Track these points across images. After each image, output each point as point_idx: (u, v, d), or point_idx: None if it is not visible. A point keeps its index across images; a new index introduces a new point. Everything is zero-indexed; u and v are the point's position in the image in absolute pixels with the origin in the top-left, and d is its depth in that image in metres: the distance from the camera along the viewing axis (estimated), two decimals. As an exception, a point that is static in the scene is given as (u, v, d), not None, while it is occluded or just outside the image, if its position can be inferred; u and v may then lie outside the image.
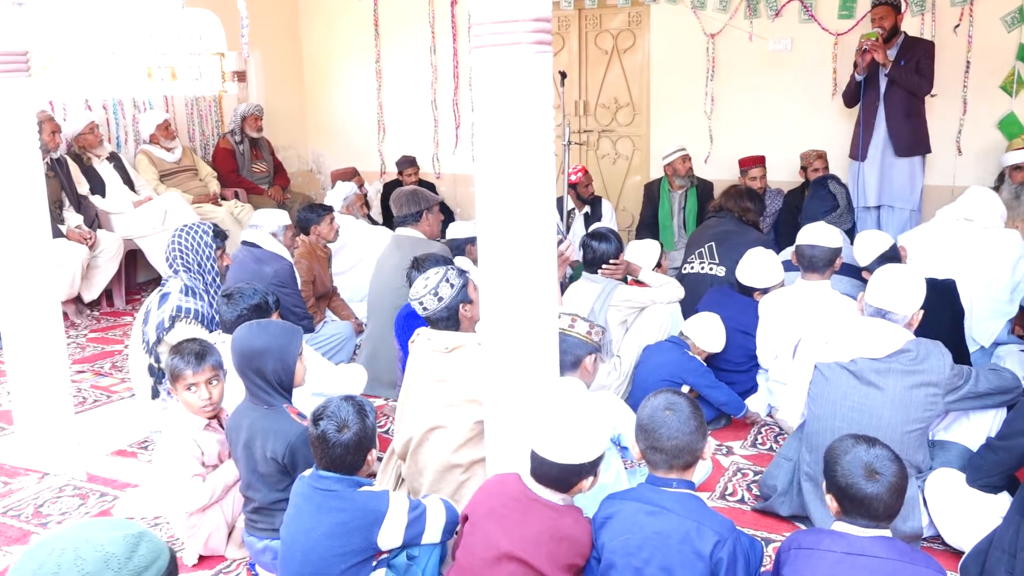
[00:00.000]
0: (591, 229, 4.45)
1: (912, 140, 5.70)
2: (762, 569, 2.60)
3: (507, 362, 2.52)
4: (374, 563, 2.44)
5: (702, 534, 2.13)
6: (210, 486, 2.91)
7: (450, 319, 3.01)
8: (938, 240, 4.32)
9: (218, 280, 3.99)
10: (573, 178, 6.09)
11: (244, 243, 4.73)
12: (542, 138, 2.41)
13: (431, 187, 7.28)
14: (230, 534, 2.98)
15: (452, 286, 2.99)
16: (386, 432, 3.98)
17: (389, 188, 7.39)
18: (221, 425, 3.04)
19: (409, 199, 4.60)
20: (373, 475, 3.03)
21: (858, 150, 5.76)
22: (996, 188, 5.42)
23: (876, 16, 5.58)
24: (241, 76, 7.90)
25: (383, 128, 8.15)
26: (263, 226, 4.76)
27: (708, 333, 4.01)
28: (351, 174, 7.16)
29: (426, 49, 7.73)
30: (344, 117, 8.34)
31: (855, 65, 5.64)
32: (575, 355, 3.07)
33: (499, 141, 2.40)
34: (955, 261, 4.14)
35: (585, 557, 2.30)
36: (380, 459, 3.23)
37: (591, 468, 2.29)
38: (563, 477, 2.27)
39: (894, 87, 5.59)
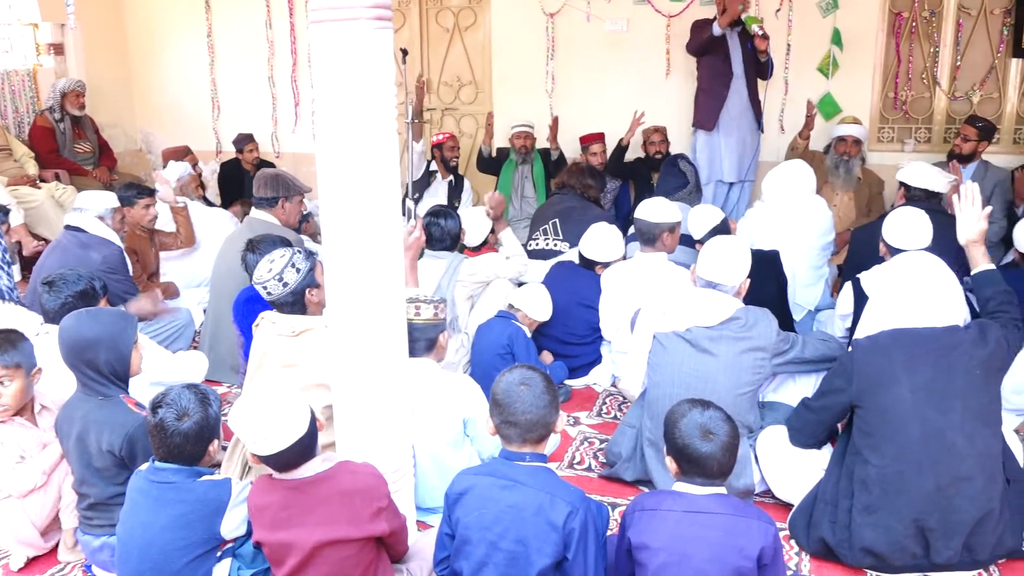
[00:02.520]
0: (431, 207, 4.44)
1: (760, 117, 6.00)
2: (608, 532, 2.70)
3: (353, 345, 2.49)
4: (219, 553, 2.37)
5: (555, 505, 2.17)
6: (37, 465, 2.76)
7: (296, 304, 2.94)
8: (762, 213, 4.60)
9: (7, 255, 3.74)
10: (440, 138, 6.12)
11: (68, 228, 4.43)
12: (384, 116, 2.39)
13: (271, 166, 7.06)
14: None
15: (298, 271, 2.91)
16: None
17: (227, 168, 7.11)
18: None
19: (270, 183, 4.43)
20: (217, 465, 2.94)
21: (704, 119, 5.89)
22: (823, 153, 5.78)
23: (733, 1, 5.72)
24: (58, 49, 7.36)
25: (217, 105, 7.83)
26: (88, 209, 4.47)
27: (534, 302, 4.06)
28: (183, 153, 6.81)
29: (261, 23, 7.46)
30: (175, 94, 7.94)
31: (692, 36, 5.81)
32: (428, 338, 3.07)
33: (340, 119, 2.35)
34: (777, 232, 4.40)
35: (384, 495, 2.30)
36: (225, 448, 3.13)
37: (313, 428, 2.27)
38: (302, 451, 2.25)
39: (750, 66, 5.80)
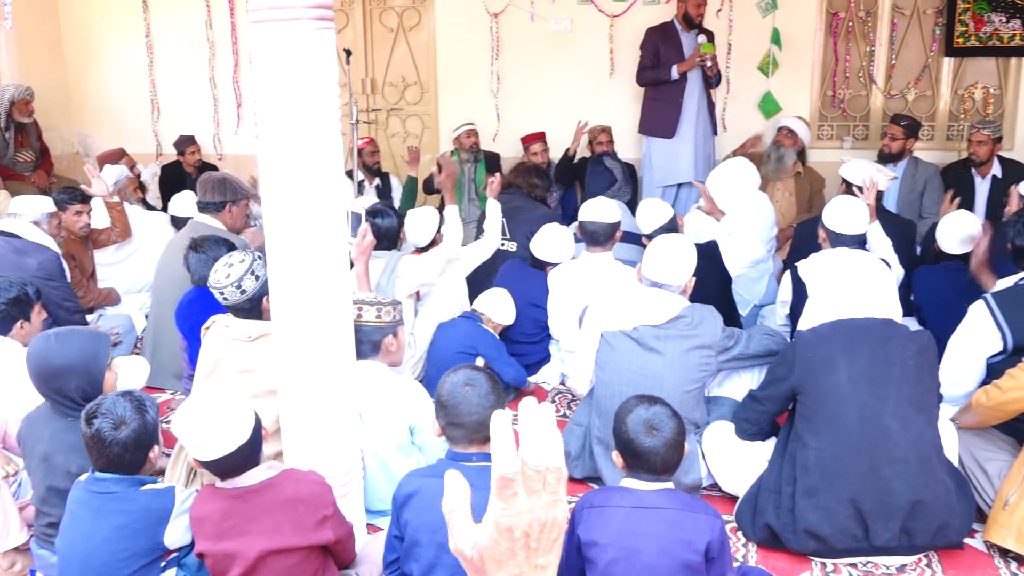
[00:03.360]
0: (368, 207, 4.41)
1: (715, 120, 6.14)
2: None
3: (299, 349, 2.47)
4: (163, 563, 2.33)
5: (502, 508, 2.17)
6: None
7: (252, 310, 2.90)
8: (739, 212, 4.66)
9: None
10: (359, 143, 6.06)
11: (1, 234, 4.31)
12: (327, 117, 2.37)
13: (213, 169, 6.94)
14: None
15: (257, 278, 2.86)
16: (175, 427, 3.79)
17: (168, 171, 6.98)
18: None
19: (216, 187, 4.35)
20: (160, 473, 2.89)
21: (662, 128, 5.97)
22: (762, 152, 5.89)
23: (699, 3, 5.79)
24: (-10, 50, 7.16)
25: (157, 107, 7.67)
26: (23, 214, 4.35)
27: (499, 307, 4.11)
28: (119, 156, 6.63)
29: (201, 23, 7.34)
30: (113, 96, 7.76)
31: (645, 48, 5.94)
32: (372, 341, 3.05)
33: (282, 121, 2.33)
34: (724, 229, 4.47)
35: (330, 503, 2.29)
36: (170, 455, 3.08)
37: (257, 434, 2.27)
38: (245, 458, 2.25)
39: (704, 73, 5.89)
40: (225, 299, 2.87)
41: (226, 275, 2.85)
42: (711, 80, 5.92)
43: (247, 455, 2.24)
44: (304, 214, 2.38)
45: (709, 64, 5.74)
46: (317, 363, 2.48)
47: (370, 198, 6.00)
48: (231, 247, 3.48)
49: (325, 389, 2.51)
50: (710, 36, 5.84)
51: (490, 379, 2.31)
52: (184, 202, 5.22)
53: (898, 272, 3.79)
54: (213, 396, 2.25)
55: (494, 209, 4.38)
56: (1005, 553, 2.81)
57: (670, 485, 2.27)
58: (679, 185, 6.09)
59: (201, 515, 2.26)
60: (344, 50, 5.36)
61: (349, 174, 5.56)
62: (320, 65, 2.32)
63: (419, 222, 4.48)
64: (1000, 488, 2.84)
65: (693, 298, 3.26)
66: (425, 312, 4.13)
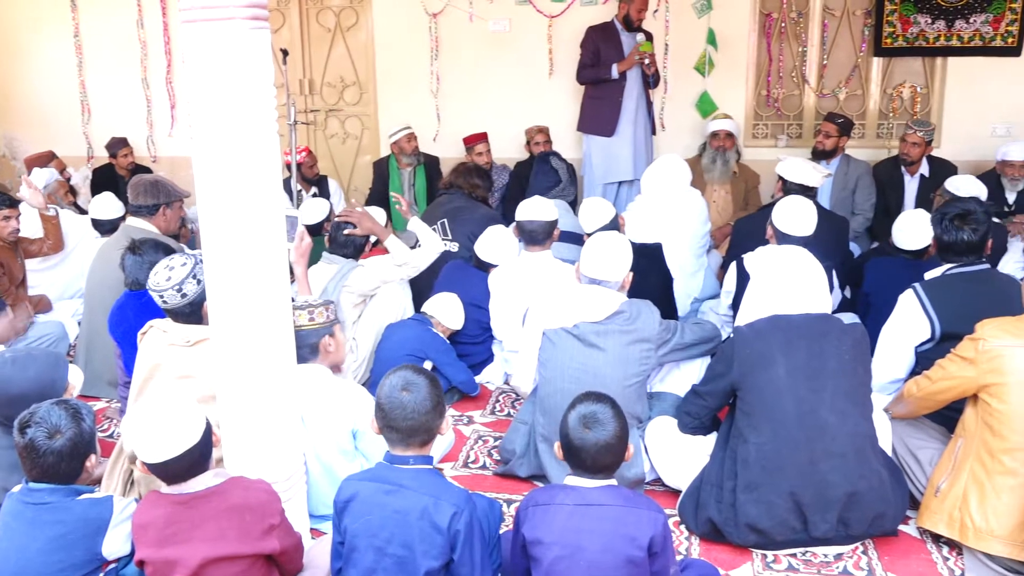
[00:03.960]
0: (340, 212, 4.38)
1: (653, 120, 6.22)
2: (503, 528, 2.73)
3: (237, 353, 2.44)
4: (101, 575, 2.27)
5: (439, 508, 2.17)
6: None
7: (192, 314, 2.84)
8: (641, 207, 4.72)
9: None
10: (297, 158, 5.95)
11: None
12: (263, 118, 2.34)
13: (147, 171, 6.80)
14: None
15: (199, 282, 2.81)
16: (110, 436, 3.72)
17: (100, 174, 6.82)
18: None
19: (148, 190, 4.25)
20: (97, 482, 2.82)
21: (601, 126, 6.04)
22: (699, 156, 5.99)
23: (641, 7, 5.85)
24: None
25: (88, 109, 7.49)
26: (-54, 220, 4.22)
27: (449, 311, 4.12)
28: (48, 159, 6.46)
29: (132, 23, 7.18)
30: (41, 97, 7.56)
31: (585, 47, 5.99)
32: (310, 343, 3.02)
33: (217, 122, 2.29)
34: (658, 225, 4.53)
35: (277, 512, 2.27)
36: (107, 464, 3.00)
37: (207, 438, 2.25)
38: (194, 462, 2.22)
39: (643, 72, 5.97)
40: (165, 303, 2.81)
41: (167, 278, 2.80)
42: (649, 80, 6.00)
43: (196, 459, 2.20)
44: (241, 217, 2.35)
45: (647, 63, 5.81)
46: (257, 367, 2.45)
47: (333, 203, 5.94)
48: (169, 251, 3.41)
49: (265, 393, 2.48)
50: (649, 36, 5.94)
51: (430, 383, 2.29)
52: (105, 205, 5.11)
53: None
54: (163, 397, 2.20)
55: (417, 226, 4.34)
56: (937, 538, 2.89)
57: (613, 482, 2.28)
58: (620, 183, 6.15)
59: (144, 521, 2.22)
60: (281, 50, 5.30)
61: (287, 182, 5.51)
62: (255, 65, 2.29)
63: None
64: (932, 476, 2.92)
65: (636, 297, 3.29)
66: (367, 316, 4.10)
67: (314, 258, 4.20)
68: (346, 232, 4.16)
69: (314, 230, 4.88)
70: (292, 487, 2.61)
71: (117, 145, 6.78)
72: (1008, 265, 4.58)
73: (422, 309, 4.19)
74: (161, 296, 2.80)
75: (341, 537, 2.28)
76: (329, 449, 2.95)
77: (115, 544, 2.27)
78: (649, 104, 6.15)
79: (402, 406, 2.24)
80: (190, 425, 2.19)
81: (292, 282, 3.44)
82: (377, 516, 2.20)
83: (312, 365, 3.02)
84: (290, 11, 7.10)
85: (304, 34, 7.14)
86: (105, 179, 6.69)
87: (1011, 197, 5.43)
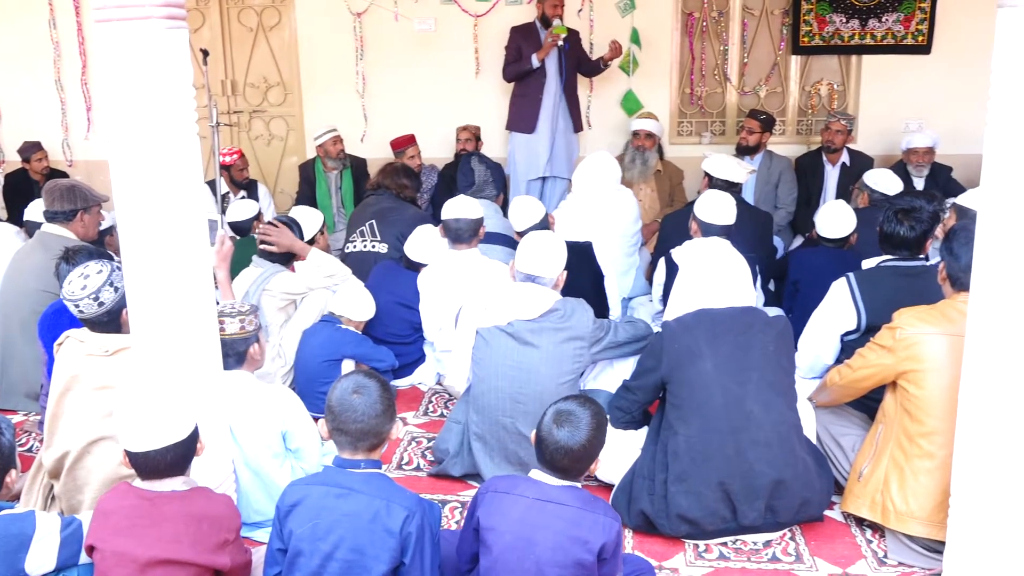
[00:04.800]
0: (276, 216, 4.31)
1: (579, 118, 6.27)
2: (442, 527, 2.73)
3: (161, 362, 2.38)
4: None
5: (391, 511, 2.16)
6: None
7: (110, 323, 2.76)
8: (572, 205, 4.76)
9: None
10: (228, 160, 5.83)
11: None
12: (182, 120, 2.29)
13: (63, 176, 6.59)
14: None
15: (116, 290, 2.72)
16: (28, 450, 3.60)
17: (12, 179, 6.58)
18: None
19: (66, 195, 4.10)
20: (16, 497, 2.73)
21: (523, 123, 6.11)
22: (622, 155, 6.06)
23: (557, 4, 5.88)
24: None
25: (-2, 112, 7.23)
26: None
27: (354, 304, 4.03)
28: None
29: (44, 22, 6.94)
30: (-53, 99, 7.26)
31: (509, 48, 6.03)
32: (238, 352, 2.97)
33: (134, 124, 2.24)
34: (589, 223, 4.58)
35: (234, 529, 2.27)
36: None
37: (192, 441, 2.26)
38: (174, 462, 2.23)
39: (568, 70, 6.03)
40: (81, 312, 2.72)
41: (82, 286, 2.71)
42: (598, 65, 6.11)
43: (177, 458, 2.21)
44: (161, 221, 2.29)
45: (562, 43, 5.83)
46: (182, 375, 2.40)
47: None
48: (104, 259, 3.31)
49: (192, 402, 2.42)
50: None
51: (381, 387, 2.29)
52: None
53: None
54: (160, 387, 2.17)
55: (320, 260, 4.24)
56: (861, 522, 2.98)
57: (577, 484, 2.28)
58: (543, 180, 6.20)
59: (108, 508, 2.22)
60: (201, 50, 5.18)
61: (211, 185, 5.39)
62: (173, 66, 2.24)
63: (301, 220, 4.41)
64: (854, 461, 3.02)
65: (568, 295, 3.31)
66: (294, 322, 4.05)
67: (244, 262, 4.13)
68: (261, 247, 4.09)
69: (242, 232, 4.79)
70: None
71: (30, 149, 6.54)
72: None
73: (328, 309, 4.09)
74: (76, 305, 2.70)
75: (283, 543, 2.25)
76: (259, 454, 2.90)
77: (38, 559, 2.19)
78: (573, 101, 6.19)
79: (352, 408, 2.23)
80: (182, 421, 2.20)
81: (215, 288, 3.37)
82: (326, 520, 2.18)
83: (237, 372, 2.97)
84: (210, 10, 6.95)
85: (225, 34, 7.00)
86: (18, 184, 6.46)
87: (919, 184, 5.64)
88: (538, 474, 2.28)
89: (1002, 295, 2.21)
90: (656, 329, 3.52)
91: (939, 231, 4.43)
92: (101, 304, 2.71)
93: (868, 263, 3.42)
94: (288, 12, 6.85)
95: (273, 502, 2.46)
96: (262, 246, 4.09)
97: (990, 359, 2.26)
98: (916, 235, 3.28)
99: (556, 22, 5.86)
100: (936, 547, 2.70)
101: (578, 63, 6.16)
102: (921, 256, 3.35)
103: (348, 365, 3.90)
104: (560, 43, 5.84)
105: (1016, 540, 2.36)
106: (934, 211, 3.38)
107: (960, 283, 2.71)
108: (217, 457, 2.55)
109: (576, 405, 2.27)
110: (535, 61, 5.92)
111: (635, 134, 5.95)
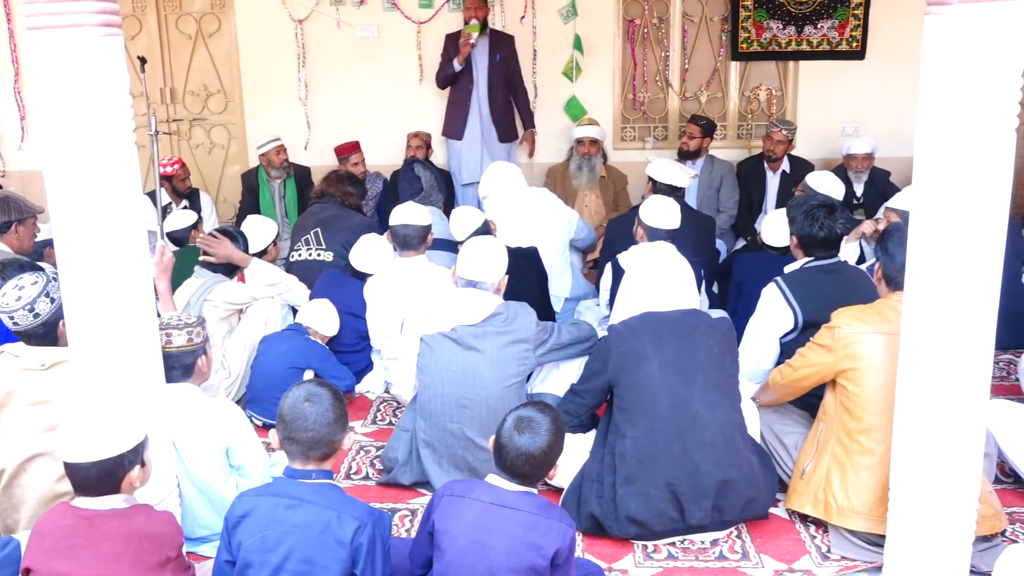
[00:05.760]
0: (218, 227, 4.25)
1: (510, 128, 6.26)
2: (392, 536, 2.71)
3: (101, 376, 2.33)
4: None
5: (343, 522, 2.15)
6: None
7: (46, 335, 2.69)
8: (514, 210, 4.78)
9: None
10: (169, 170, 5.73)
11: None
12: (119, 128, 2.25)
13: (-4, 187, 6.42)
14: None
15: (52, 301, 2.65)
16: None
17: (-58, 190, 6.38)
18: None
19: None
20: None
21: (453, 130, 6.17)
22: (567, 161, 6.11)
23: (471, 6, 5.89)
24: None
25: (-73, 121, 7.00)
26: None
27: (324, 319, 4.08)
28: None
29: (-27, 29, 6.75)
30: None
31: (443, 54, 6.04)
32: (184, 364, 2.91)
33: (69, 133, 2.19)
34: (530, 228, 4.60)
35: (176, 546, 2.22)
36: None
37: (134, 457, 2.19)
38: (107, 476, 2.15)
39: (495, 79, 6.06)
40: (16, 324, 2.65)
41: (16, 298, 2.64)
42: (526, 102, 6.19)
43: (117, 472, 2.14)
44: (98, 232, 2.24)
45: (473, 43, 5.85)
46: (122, 389, 2.35)
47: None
48: (39, 271, 3.23)
49: (131, 415, 2.37)
50: (485, 25, 5.97)
51: (333, 396, 2.28)
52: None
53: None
54: (99, 401, 2.10)
55: (263, 271, 4.19)
56: (805, 518, 3.04)
57: (534, 490, 2.29)
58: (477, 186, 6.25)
59: (45, 529, 2.14)
60: (138, 58, 5.08)
61: (151, 195, 5.30)
62: (108, 73, 2.20)
63: (253, 230, 4.36)
64: (797, 459, 3.08)
65: (514, 299, 3.32)
66: (240, 332, 4.00)
67: (186, 272, 4.07)
68: (201, 259, 4.04)
69: (180, 242, 4.72)
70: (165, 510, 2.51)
71: (-39, 159, 6.36)
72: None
73: (296, 320, 4.13)
74: (11, 317, 2.64)
75: (231, 555, 2.22)
76: (204, 469, 2.85)
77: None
78: (500, 111, 6.19)
79: (304, 417, 2.21)
80: (126, 433, 2.14)
81: (156, 299, 3.32)
82: (276, 531, 2.16)
83: (182, 385, 2.92)
84: (147, 17, 6.82)
85: (163, 41, 6.88)
86: (-51, 196, 6.26)
87: (859, 189, 5.80)
88: (495, 479, 2.29)
89: (935, 294, 2.27)
90: (602, 333, 3.56)
91: (869, 231, 4.57)
92: (36, 315, 2.64)
93: (791, 267, 3.51)
94: (228, 19, 6.77)
95: (219, 516, 2.43)
96: (203, 257, 4.04)
97: (925, 356, 2.33)
98: (832, 235, 3.41)
99: (472, 22, 5.87)
100: (877, 541, 2.76)
101: (511, 76, 6.17)
102: (835, 253, 3.48)
103: (309, 376, 3.88)
104: (472, 42, 5.83)
105: (952, 532, 2.43)
106: (846, 218, 3.52)
107: (895, 282, 2.79)
108: (160, 472, 2.50)
109: (536, 411, 2.28)
110: (456, 65, 5.96)
111: (579, 142, 5.99)
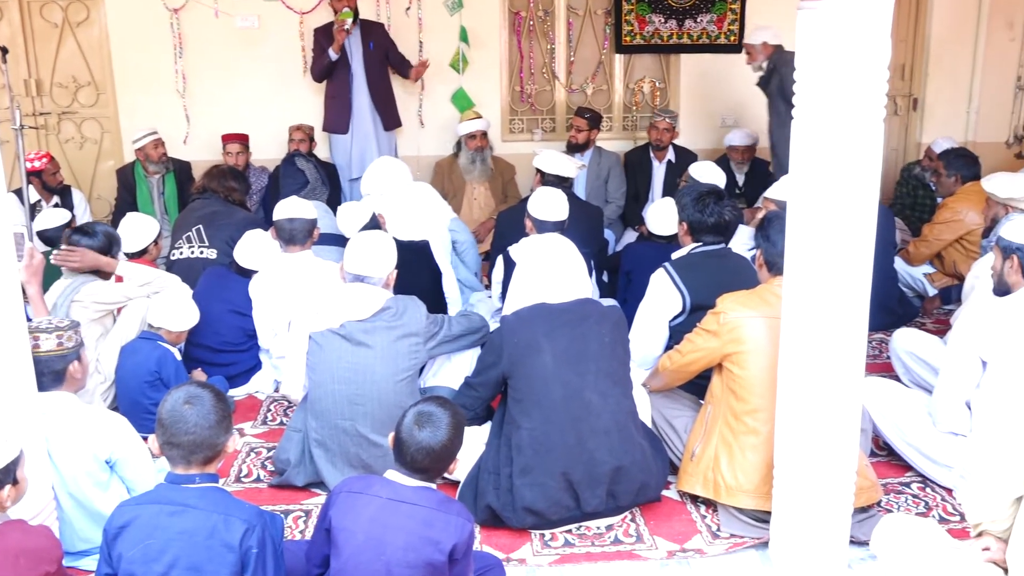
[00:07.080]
0: (77, 226, 4.02)
1: (392, 115, 6.19)
2: (286, 538, 2.65)
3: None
4: None
5: (230, 525, 2.09)
6: None
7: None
8: (401, 205, 4.74)
9: None
10: (37, 164, 5.43)
11: None
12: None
13: None
14: None
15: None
16: None
17: None
18: None
19: None
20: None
21: (336, 124, 6.08)
22: (455, 155, 6.10)
23: None
24: None
25: None
26: None
27: (172, 313, 3.77)
28: None
29: None
30: None
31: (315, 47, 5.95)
32: (54, 370, 2.76)
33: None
34: (419, 222, 4.57)
35: (55, 560, 2.13)
36: None
37: (5, 476, 2.12)
38: None
39: (372, 65, 5.97)
40: None
41: None
42: (406, 67, 6.10)
43: None
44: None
45: (348, 29, 5.77)
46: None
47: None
48: None
49: (4, 432, 2.25)
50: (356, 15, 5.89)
51: (215, 397, 2.21)
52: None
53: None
54: None
55: (133, 273, 3.98)
56: (695, 499, 3.12)
57: (432, 485, 2.27)
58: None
59: None
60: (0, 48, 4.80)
61: (18, 192, 5.01)
62: (-37, 63, 2.06)
63: (132, 229, 4.16)
64: (687, 442, 3.16)
65: (406, 293, 3.29)
66: (112, 335, 3.79)
67: (56, 274, 3.85)
68: (67, 268, 3.83)
69: (53, 243, 4.47)
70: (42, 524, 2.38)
71: None
72: (736, 247, 5.03)
73: (148, 321, 3.80)
74: None
75: (112, 568, 2.13)
76: (82, 481, 2.71)
77: None
78: (383, 99, 6.14)
79: (183, 420, 2.14)
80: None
81: (25, 303, 3.13)
82: (159, 540, 2.08)
83: (56, 393, 2.76)
84: (8, 5, 6.43)
85: (27, 30, 6.50)
86: None
87: (740, 179, 6.02)
88: (393, 474, 2.27)
89: (812, 279, 2.37)
90: (495, 325, 3.57)
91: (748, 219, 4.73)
92: None
93: (678, 253, 3.61)
94: (97, 7, 6.45)
95: (100, 529, 2.31)
96: (67, 266, 3.80)
97: (804, 338, 2.42)
98: (721, 220, 3.51)
99: (344, 10, 5.79)
100: (763, 517, 2.86)
101: (386, 56, 6.10)
102: (722, 240, 3.59)
103: (198, 375, 3.71)
104: (347, 28, 5.74)
105: (833, 505, 2.54)
106: (732, 206, 3.62)
107: (776, 268, 2.89)
108: (35, 485, 2.37)
109: (435, 406, 2.27)
110: (332, 54, 5.86)
111: (471, 136, 5.98)
